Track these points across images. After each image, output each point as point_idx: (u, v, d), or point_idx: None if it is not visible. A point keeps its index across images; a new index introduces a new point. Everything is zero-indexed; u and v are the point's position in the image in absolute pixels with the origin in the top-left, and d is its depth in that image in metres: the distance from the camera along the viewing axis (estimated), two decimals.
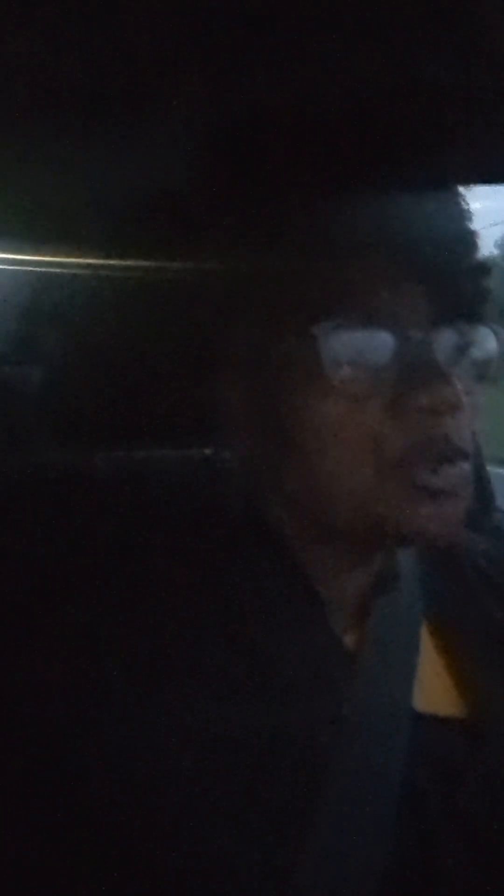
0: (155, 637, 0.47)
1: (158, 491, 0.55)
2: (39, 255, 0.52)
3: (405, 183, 0.48)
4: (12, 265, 0.53)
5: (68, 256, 0.52)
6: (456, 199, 0.52)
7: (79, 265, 0.51)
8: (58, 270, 0.52)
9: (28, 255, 0.52)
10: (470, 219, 0.52)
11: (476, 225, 0.52)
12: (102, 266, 0.51)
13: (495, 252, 0.58)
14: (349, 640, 0.54)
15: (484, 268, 0.52)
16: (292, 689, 0.49)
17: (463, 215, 0.52)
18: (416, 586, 0.57)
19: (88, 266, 0.51)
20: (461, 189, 0.52)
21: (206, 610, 0.49)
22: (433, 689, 0.54)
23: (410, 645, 0.55)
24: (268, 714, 0.47)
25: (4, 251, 0.53)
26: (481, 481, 0.68)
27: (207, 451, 0.54)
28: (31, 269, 0.52)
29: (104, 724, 0.45)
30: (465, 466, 0.50)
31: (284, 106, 0.47)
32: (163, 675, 0.46)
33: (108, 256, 0.51)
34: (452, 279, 0.49)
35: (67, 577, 0.50)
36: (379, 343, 0.47)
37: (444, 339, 0.49)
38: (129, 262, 0.51)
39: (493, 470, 0.74)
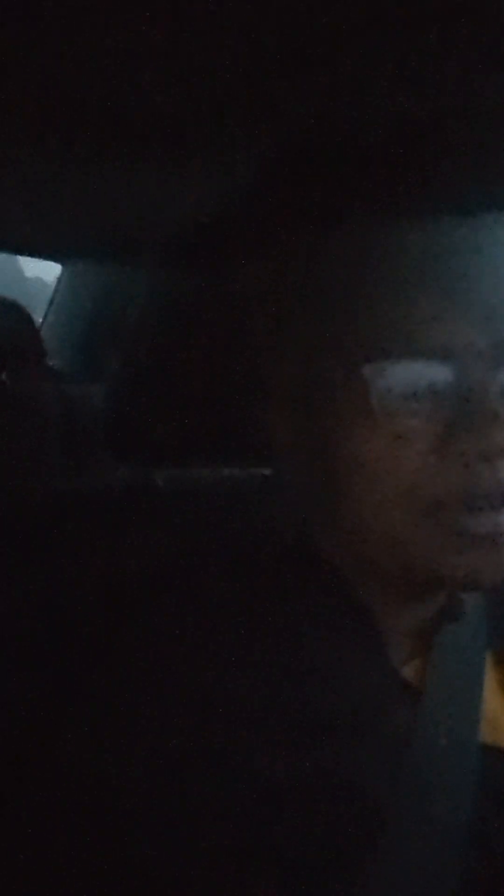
0: (207, 665, 0.46)
1: (217, 510, 0.55)
2: (103, 277, 0.54)
3: (462, 216, 0.48)
4: (77, 287, 0.54)
5: (131, 279, 0.54)
6: None
7: (141, 287, 0.53)
8: (121, 292, 0.54)
9: (92, 278, 0.54)
10: None
11: None
12: (164, 287, 0.53)
13: None
14: (409, 671, 0.52)
15: None
16: (350, 722, 0.47)
17: None
18: (481, 618, 0.55)
19: (150, 288, 0.53)
20: None
21: (258, 637, 0.48)
22: (499, 721, 0.52)
23: (474, 677, 0.53)
24: (325, 749, 0.46)
25: (71, 273, 0.54)
26: None
27: (266, 472, 0.54)
28: (94, 291, 0.54)
29: (153, 757, 0.44)
30: None
31: (336, 140, 0.48)
32: (213, 705, 0.45)
33: (169, 280, 0.53)
34: None
35: (126, 593, 0.50)
36: (431, 383, 0.46)
37: (501, 381, 0.46)
38: (187, 287, 0.52)
39: None
